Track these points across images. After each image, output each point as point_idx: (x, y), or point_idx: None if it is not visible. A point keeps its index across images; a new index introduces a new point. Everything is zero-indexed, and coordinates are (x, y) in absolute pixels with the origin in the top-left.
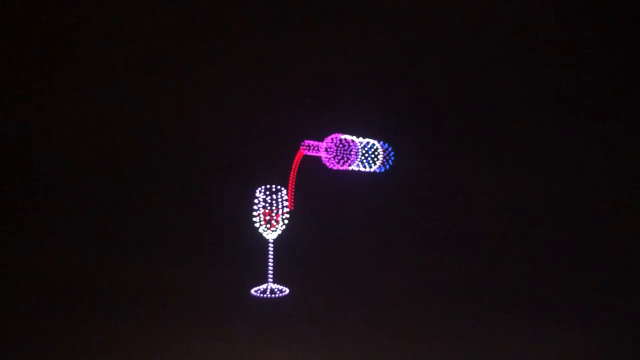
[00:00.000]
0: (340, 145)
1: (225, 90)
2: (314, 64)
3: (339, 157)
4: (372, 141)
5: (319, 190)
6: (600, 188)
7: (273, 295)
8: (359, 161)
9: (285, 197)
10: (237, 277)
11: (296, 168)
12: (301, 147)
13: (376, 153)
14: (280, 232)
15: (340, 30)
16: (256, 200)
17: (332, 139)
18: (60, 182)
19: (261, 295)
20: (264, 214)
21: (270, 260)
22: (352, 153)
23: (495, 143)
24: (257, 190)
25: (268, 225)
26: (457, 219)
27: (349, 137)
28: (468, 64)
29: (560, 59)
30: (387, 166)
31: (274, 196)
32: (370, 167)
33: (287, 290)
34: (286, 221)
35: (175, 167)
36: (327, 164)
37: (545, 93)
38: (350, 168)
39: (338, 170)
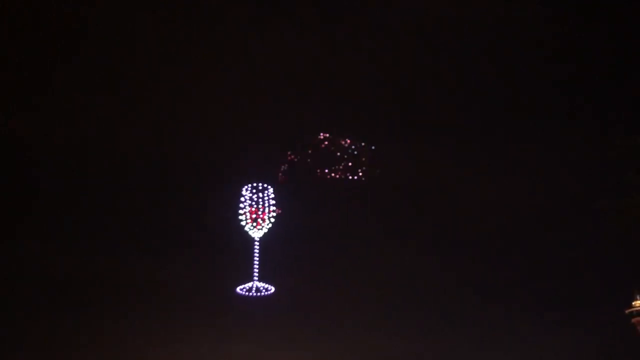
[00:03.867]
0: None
1: (215, 93)
2: (308, 64)
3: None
4: None
5: (309, 191)
6: (597, 187)
7: (258, 294)
8: None
9: (272, 196)
10: (224, 275)
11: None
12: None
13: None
14: (266, 230)
15: (334, 31)
16: (242, 199)
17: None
18: (58, 182)
19: (247, 293)
20: (251, 212)
21: (256, 258)
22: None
23: (495, 143)
24: (244, 189)
25: (254, 224)
26: (449, 218)
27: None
28: (465, 63)
29: (557, 60)
30: None
31: (261, 194)
32: None
33: (272, 289)
34: (272, 220)
35: (167, 168)
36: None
37: (544, 94)
38: None
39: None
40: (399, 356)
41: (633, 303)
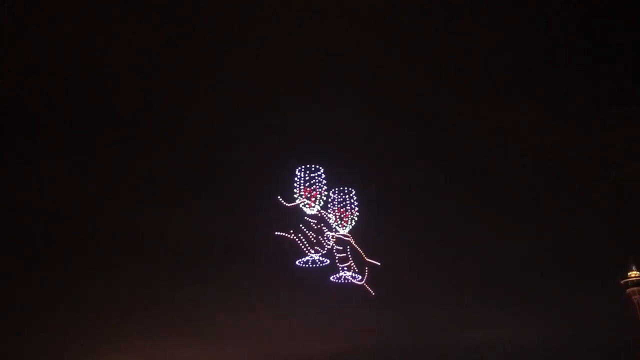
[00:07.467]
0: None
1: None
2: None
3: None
4: None
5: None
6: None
7: (346, 281)
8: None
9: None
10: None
11: None
12: None
13: None
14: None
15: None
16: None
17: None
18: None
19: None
20: (304, 191)
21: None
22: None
23: None
24: (297, 170)
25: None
26: None
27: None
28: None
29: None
30: None
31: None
32: None
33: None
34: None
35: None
36: None
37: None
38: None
39: None
40: None
41: (629, 274)
